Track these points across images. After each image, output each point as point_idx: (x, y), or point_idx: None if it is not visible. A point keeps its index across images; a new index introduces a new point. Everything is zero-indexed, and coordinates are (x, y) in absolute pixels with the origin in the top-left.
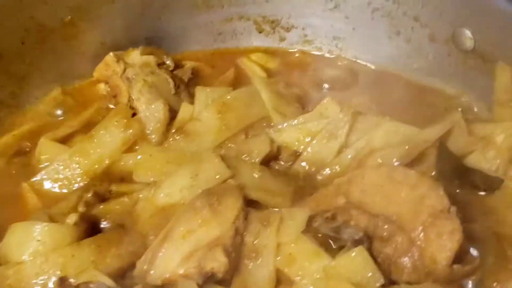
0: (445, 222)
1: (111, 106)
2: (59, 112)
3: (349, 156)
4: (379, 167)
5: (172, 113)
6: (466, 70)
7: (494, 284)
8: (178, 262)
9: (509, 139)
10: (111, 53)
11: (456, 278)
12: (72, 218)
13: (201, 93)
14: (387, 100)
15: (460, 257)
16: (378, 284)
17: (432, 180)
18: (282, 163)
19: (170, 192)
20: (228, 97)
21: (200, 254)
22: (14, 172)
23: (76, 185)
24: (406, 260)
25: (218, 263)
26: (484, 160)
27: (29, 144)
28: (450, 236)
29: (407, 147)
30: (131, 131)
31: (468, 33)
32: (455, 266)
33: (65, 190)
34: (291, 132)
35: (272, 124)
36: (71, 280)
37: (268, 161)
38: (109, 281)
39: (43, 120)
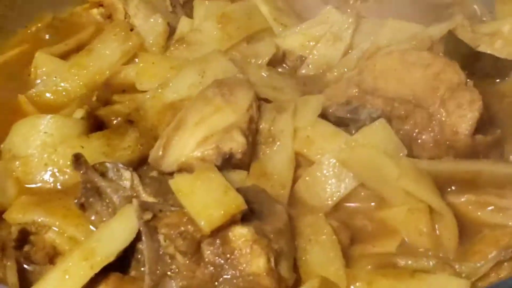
0: (463, 93)
1: None
2: (50, 36)
3: (356, 56)
4: (390, 53)
5: (170, 30)
6: None
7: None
8: (194, 146)
9: None
10: None
11: (478, 150)
12: (79, 113)
13: (200, 6)
14: (389, 5)
15: (481, 129)
16: (401, 154)
17: (446, 58)
18: (288, 67)
19: (178, 89)
20: (228, 8)
21: (217, 138)
22: (12, 88)
23: (77, 96)
24: (426, 135)
25: (236, 143)
26: (491, 51)
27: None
28: (470, 105)
29: (414, 42)
30: (130, 43)
31: None
32: (478, 136)
33: (65, 99)
34: (295, 38)
35: (273, 34)
36: None
37: (273, 65)
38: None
39: (37, 42)
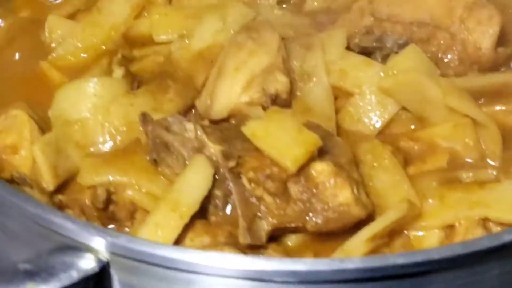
0: (481, 10)
1: None
2: None
3: None
4: None
5: None
6: None
7: None
8: (239, 91)
9: None
10: None
11: (500, 63)
12: (118, 72)
13: None
14: None
15: (502, 42)
16: (436, 75)
17: None
18: (293, 3)
19: (203, 37)
20: None
21: (260, 80)
22: (22, 58)
23: (97, 53)
24: (452, 54)
25: (280, 83)
26: None
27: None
28: (489, 21)
29: None
30: None
31: None
32: (500, 49)
33: (85, 56)
34: None
35: None
36: None
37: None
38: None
39: (39, 6)
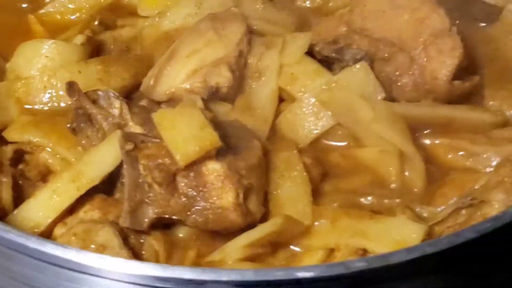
0: (445, 39)
1: None
2: None
3: None
4: None
5: None
6: None
7: (491, 103)
8: (184, 78)
9: None
10: None
11: (456, 95)
12: (79, 39)
13: None
14: None
15: (460, 75)
16: (379, 97)
17: (433, 3)
18: None
19: (174, 18)
20: None
21: (205, 71)
22: (24, 8)
23: (82, 17)
24: (406, 78)
25: (223, 78)
26: None
27: None
28: (450, 52)
29: None
30: None
31: None
32: (456, 82)
33: (72, 18)
34: None
35: None
36: None
37: None
38: (115, 93)
39: None
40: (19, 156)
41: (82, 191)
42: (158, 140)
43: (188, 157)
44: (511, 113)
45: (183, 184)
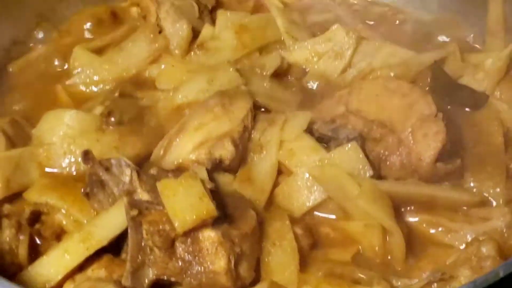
0: (431, 124)
1: None
2: (93, 28)
3: (352, 75)
4: (376, 79)
5: (195, 34)
6: (465, 3)
7: (471, 184)
8: (191, 149)
9: (497, 63)
10: None
11: (439, 176)
12: (98, 109)
13: (222, 15)
14: (389, 30)
15: (443, 158)
16: (368, 175)
17: (422, 89)
18: (291, 78)
19: (187, 93)
20: (246, 20)
21: (211, 144)
22: (52, 76)
23: (105, 88)
24: (395, 158)
25: (226, 151)
26: (473, 81)
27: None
28: (435, 136)
29: (404, 67)
30: (156, 45)
31: None
32: (438, 164)
33: (95, 91)
34: (301, 52)
35: (284, 47)
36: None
37: (278, 76)
38: (128, 161)
39: (79, 35)
40: (36, 216)
41: (91, 251)
42: (161, 208)
43: (186, 224)
44: (489, 193)
45: (181, 249)
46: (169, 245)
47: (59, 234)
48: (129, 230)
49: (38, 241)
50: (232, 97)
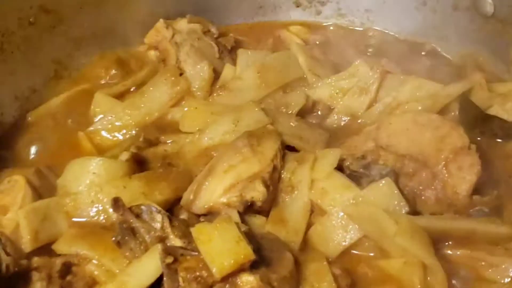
0: (465, 157)
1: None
2: (112, 73)
3: (378, 110)
4: (405, 113)
5: (216, 75)
6: (487, 34)
7: (508, 216)
8: (221, 192)
9: None
10: (161, 20)
11: (476, 209)
12: (124, 156)
13: (243, 55)
14: (413, 64)
15: (480, 190)
16: (403, 211)
17: (453, 122)
18: (317, 116)
19: (213, 135)
20: (268, 58)
21: (241, 186)
22: (72, 123)
23: (128, 134)
24: (429, 193)
25: (257, 192)
26: (502, 112)
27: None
28: (469, 169)
29: (431, 101)
30: (178, 88)
31: None
32: (475, 197)
33: (119, 137)
34: (325, 89)
35: (307, 84)
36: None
37: (304, 114)
38: (158, 207)
39: (98, 81)
40: (67, 268)
41: None
42: (196, 253)
43: (224, 269)
44: None
45: None
46: None
47: (91, 286)
48: (164, 278)
49: None
50: (260, 137)
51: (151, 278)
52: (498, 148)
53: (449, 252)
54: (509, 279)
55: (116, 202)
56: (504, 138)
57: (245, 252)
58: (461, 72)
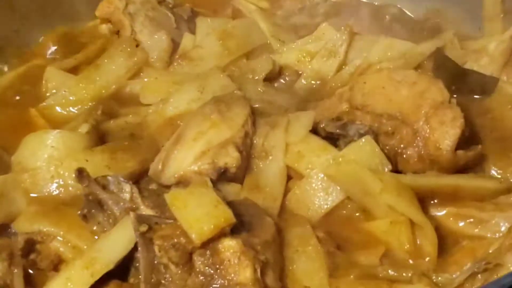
0: (446, 111)
1: None
2: (62, 50)
3: (348, 72)
4: (379, 71)
5: (174, 45)
6: None
7: (494, 171)
8: (191, 160)
9: (501, 45)
10: None
11: (460, 165)
12: (84, 128)
13: (202, 22)
14: (382, 24)
15: (463, 145)
16: (386, 169)
17: (430, 76)
18: (284, 81)
19: (178, 104)
20: (229, 25)
21: (213, 153)
22: (22, 100)
23: (84, 109)
24: (411, 150)
25: (231, 158)
26: (477, 67)
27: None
28: (452, 123)
29: (403, 60)
30: (135, 59)
31: None
32: (459, 152)
33: (74, 112)
34: (291, 53)
35: (272, 50)
36: None
37: (271, 81)
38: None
39: (46, 57)
40: (30, 246)
41: (97, 277)
42: (172, 221)
43: (204, 235)
44: None
45: (199, 262)
46: (187, 260)
47: (57, 264)
48: (139, 249)
49: (33, 274)
50: (228, 103)
51: (123, 251)
52: (476, 104)
53: (435, 211)
54: (500, 234)
55: (81, 173)
56: (481, 94)
57: (225, 215)
58: (432, 31)
